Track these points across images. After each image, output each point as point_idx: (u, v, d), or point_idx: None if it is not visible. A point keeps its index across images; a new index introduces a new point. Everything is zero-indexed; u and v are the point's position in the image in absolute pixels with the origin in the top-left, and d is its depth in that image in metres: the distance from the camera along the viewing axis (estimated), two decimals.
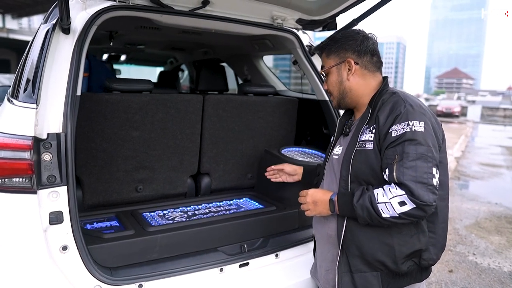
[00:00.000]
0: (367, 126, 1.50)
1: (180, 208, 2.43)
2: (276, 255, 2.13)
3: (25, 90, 1.62)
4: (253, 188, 2.91)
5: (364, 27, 1.71)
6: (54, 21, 1.79)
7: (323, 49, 1.68)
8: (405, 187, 1.33)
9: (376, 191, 1.40)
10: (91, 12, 1.91)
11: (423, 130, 1.37)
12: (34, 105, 1.58)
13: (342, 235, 1.51)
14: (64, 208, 1.60)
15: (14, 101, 1.63)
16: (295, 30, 2.66)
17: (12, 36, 20.67)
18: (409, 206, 1.33)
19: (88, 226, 2.11)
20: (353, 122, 1.65)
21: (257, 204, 2.57)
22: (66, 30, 1.79)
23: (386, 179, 1.40)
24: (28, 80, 1.65)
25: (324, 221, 1.64)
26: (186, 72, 6.36)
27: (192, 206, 2.47)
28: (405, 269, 1.47)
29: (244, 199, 2.69)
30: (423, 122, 1.39)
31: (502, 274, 3.77)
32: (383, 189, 1.39)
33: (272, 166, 2.12)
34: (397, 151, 1.37)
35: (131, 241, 1.92)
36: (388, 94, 1.53)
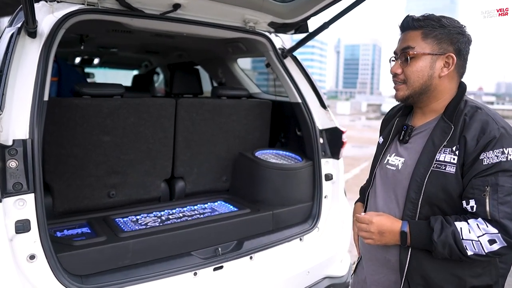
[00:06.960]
0: (446, 144, 1.31)
1: (154, 213, 2.40)
2: (251, 258, 2.14)
3: None
4: (227, 191, 2.91)
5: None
6: (19, 25, 1.76)
7: (420, 25, 1.37)
8: (499, 225, 1.20)
9: (458, 225, 1.24)
10: (59, 16, 1.88)
11: None
12: None
13: (407, 263, 1.35)
14: (32, 216, 1.56)
15: None
16: (267, 33, 2.68)
17: None
18: (499, 245, 1.20)
19: (58, 234, 2.06)
20: (415, 129, 1.45)
21: (231, 207, 2.58)
22: (32, 34, 1.76)
23: (469, 209, 1.26)
24: None
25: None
26: (162, 76, 6.30)
27: (166, 211, 2.45)
28: None
29: (218, 202, 2.69)
30: None
31: None
32: (469, 225, 1.24)
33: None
34: (489, 183, 1.22)
35: (102, 247, 1.88)
36: (470, 108, 1.33)
